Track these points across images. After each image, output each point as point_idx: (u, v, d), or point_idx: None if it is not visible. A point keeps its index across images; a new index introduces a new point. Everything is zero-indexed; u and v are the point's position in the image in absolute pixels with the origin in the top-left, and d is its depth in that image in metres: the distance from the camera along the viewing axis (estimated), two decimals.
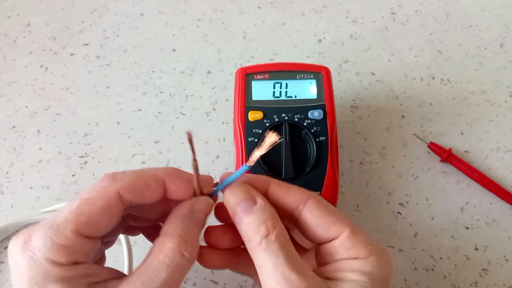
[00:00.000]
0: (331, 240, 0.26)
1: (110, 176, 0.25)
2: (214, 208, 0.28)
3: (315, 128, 0.37)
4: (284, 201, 0.27)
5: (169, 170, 0.27)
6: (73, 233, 0.23)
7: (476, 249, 0.40)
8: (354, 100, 0.48)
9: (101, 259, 0.29)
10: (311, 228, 0.26)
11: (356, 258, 0.25)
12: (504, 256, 0.39)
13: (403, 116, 0.47)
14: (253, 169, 0.36)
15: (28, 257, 0.22)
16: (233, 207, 0.26)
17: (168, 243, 0.24)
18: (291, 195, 0.27)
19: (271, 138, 0.25)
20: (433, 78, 0.50)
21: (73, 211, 0.23)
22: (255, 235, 0.24)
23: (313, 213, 0.26)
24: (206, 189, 0.28)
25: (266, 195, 0.27)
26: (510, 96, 0.49)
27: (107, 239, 0.30)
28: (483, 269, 0.39)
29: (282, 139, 0.32)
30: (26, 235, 0.23)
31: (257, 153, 0.25)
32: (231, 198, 0.26)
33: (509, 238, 0.40)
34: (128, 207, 0.26)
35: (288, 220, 0.27)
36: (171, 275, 0.23)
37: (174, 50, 0.52)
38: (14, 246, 0.23)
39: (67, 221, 0.23)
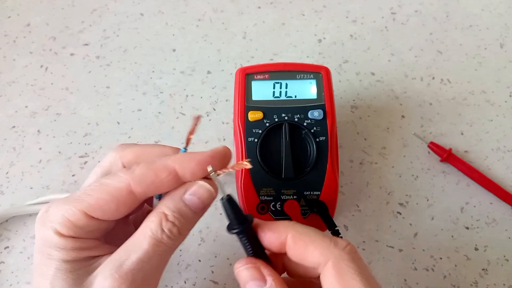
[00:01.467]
0: None
1: (129, 169, 0.26)
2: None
3: (315, 128, 0.37)
4: (303, 259, 0.25)
5: (178, 157, 0.26)
6: (80, 211, 0.25)
7: (476, 249, 0.40)
8: (354, 100, 0.48)
9: (123, 232, 0.29)
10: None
11: None
12: (504, 256, 0.39)
13: (403, 116, 0.47)
14: (254, 171, 0.36)
15: (41, 224, 0.26)
16: (242, 284, 0.25)
17: (152, 217, 0.25)
18: (309, 254, 0.25)
19: (195, 121, 0.28)
20: (433, 78, 0.50)
21: (86, 192, 0.25)
22: None
23: (328, 283, 0.24)
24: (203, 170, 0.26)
25: (284, 247, 0.26)
26: (510, 96, 0.49)
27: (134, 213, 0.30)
28: (483, 269, 0.39)
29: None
30: (48, 206, 0.26)
31: (191, 136, 0.28)
32: (241, 274, 0.25)
33: (509, 238, 0.40)
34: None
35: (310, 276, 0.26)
36: (152, 247, 0.24)
37: (174, 50, 0.52)
38: (38, 214, 0.26)
39: (78, 200, 0.25)
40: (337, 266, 0.24)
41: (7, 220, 0.40)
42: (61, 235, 0.25)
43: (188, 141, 0.29)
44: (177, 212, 0.25)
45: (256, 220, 0.27)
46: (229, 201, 0.26)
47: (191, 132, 0.28)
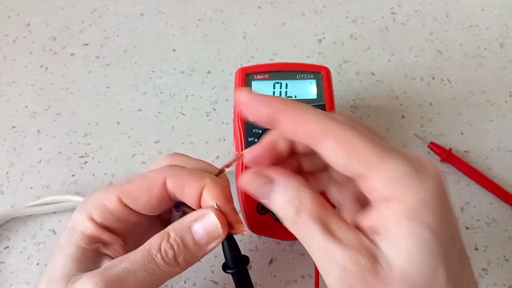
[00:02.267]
0: (361, 178, 0.21)
1: (168, 165, 0.28)
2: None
3: None
4: (298, 135, 0.22)
5: (217, 180, 0.27)
6: (116, 197, 0.26)
7: (476, 249, 0.40)
8: (354, 100, 0.48)
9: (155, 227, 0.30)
10: (335, 165, 0.22)
11: (394, 200, 0.20)
12: (504, 256, 0.39)
13: (403, 116, 0.47)
14: None
15: (79, 208, 0.28)
16: (257, 195, 0.24)
17: (158, 234, 0.25)
18: (305, 128, 0.22)
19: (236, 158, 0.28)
20: (433, 78, 0.50)
21: (126, 180, 0.27)
22: (287, 216, 0.22)
23: (331, 152, 0.22)
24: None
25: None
26: (510, 96, 0.49)
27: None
28: (483, 269, 0.38)
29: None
30: (92, 192, 0.28)
31: (225, 169, 0.28)
32: (249, 189, 0.24)
33: (509, 238, 0.40)
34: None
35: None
36: (142, 260, 0.24)
37: (174, 50, 0.52)
38: (83, 199, 0.29)
39: (116, 187, 0.27)
40: (334, 137, 0.21)
41: (8, 221, 0.40)
42: (92, 220, 0.26)
43: (220, 171, 0.28)
44: (179, 237, 0.25)
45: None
46: (228, 239, 0.26)
47: (228, 165, 0.28)
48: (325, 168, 0.26)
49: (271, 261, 0.38)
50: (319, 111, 0.23)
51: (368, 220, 0.22)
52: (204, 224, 0.25)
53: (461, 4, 0.57)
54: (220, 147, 0.45)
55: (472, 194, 0.42)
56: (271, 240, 0.39)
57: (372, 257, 0.20)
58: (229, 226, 0.26)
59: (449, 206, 0.21)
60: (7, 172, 0.43)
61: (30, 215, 0.40)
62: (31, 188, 0.42)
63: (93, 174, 0.43)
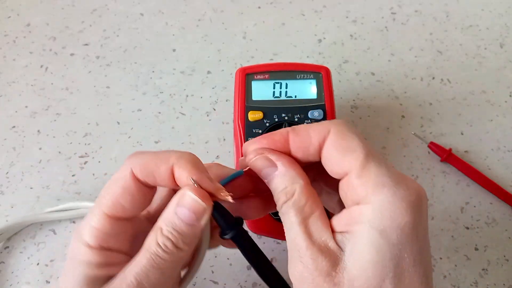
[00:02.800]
0: (344, 176, 0.24)
1: (130, 155, 0.26)
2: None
3: None
4: (307, 145, 0.25)
5: (180, 155, 0.25)
6: (102, 214, 0.25)
7: (476, 249, 0.40)
8: (354, 100, 0.48)
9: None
10: (328, 166, 0.25)
11: (365, 203, 0.22)
12: (504, 256, 0.39)
13: (403, 116, 0.47)
14: None
15: (74, 237, 0.26)
16: (258, 172, 0.26)
17: (151, 231, 0.25)
18: (311, 136, 0.25)
19: None
20: (433, 78, 0.50)
21: (101, 194, 0.26)
22: (278, 201, 0.25)
23: (328, 150, 0.24)
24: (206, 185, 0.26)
25: (288, 146, 0.26)
26: (510, 96, 0.49)
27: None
28: (483, 269, 0.38)
29: None
30: (84, 218, 0.26)
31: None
32: (254, 166, 0.26)
33: (509, 238, 0.40)
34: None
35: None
36: (148, 262, 0.24)
37: (174, 50, 0.52)
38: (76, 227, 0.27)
39: (98, 204, 0.26)
40: (336, 134, 0.24)
41: (27, 226, 0.40)
42: (89, 246, 0.25)
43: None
44: (170, 227, 0.24)
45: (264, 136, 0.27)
46: (216, 208, 0.26)
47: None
48: (315, 179, 0.28)
49: (271, 261, 0.38)
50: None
51: (341, 224, 0.23)
52: (185, 204, 0.24)
53: (461, 4, 0.57)
54: (220, 147, 0.45)
55: (472, 194, 0.42)
56: (271, 240, 0.39)
57: (333, 261, 0.22)
58: (211, 195, 0.25)
59: (422, 227, 0.22)
60: (7, 172, 0.43)
61: (48, 221, 0.40)
62: (31, 188, 0.42)
63: (93, 174, 0.43)
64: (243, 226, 0.27)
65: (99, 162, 0.44)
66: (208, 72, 0.50)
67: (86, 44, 0.53)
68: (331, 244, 0.23)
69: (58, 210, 0.40)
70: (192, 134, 0.46)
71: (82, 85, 0.49)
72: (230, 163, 0.43)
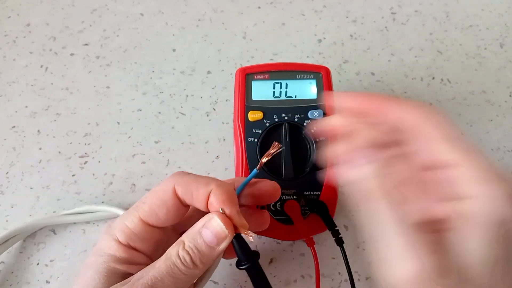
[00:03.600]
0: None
1: (175, 173, 0.30)
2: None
3: (315, 128, 0.37)
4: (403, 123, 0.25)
5: (222, 185, 0.28)
6: (138, 218, 0.28)
7: None
8: None
9: None
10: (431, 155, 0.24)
11: (469, 198, 0.22)
12: None
13: None
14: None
15: (105, 231, 0.29)
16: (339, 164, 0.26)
17: (175, 243, 0.27)
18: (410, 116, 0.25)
19: (275, 148, 0.30)
20: (433, 78, 0.50)
21: (141, 200, 0.29)
22: (365, 194, 0.24)
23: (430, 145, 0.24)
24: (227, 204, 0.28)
25: None
26: (510, 96, 0.49)
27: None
28: None
29: (282, 148, 0.35)
30: (118, 217, 0.30)
31: (264, 160, 0.30)
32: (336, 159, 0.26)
33: None
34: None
35: None
36: (166, 268, 0.26)
37: (174, 50, 0.52)
38: (107, 224, 0.30)
39: (136, 208, 0.29)
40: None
41: (41, 229, 0.40)
42: (118, 242, 0.28)
43: (261, 164, 0.30)
44: (192, 243, 0.27)
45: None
46: (236, 238, 0.28)
47: (267, 155, 0.30)
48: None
49: (271, 261, 0.38)
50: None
51: (444, 211, 0.22)
52: (211, 227, 0.27)
53: (461, 4, 0.57)
54: (220, 147, 0.45)
55: None
56: (271, 240, 0.39)
57: (445, 259, 0.21)
58: (235, 228, 0.28)
59: None
60: (7, 172, 0.43)
61: (61, 224, 0.40)
62: (31, 188, 0.42)
63: (93, 174, 0.43)
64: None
65: (99, 162, 0.44)
66: (208, 72, 0.50)
67: (86, 44, 0.53)
68: (435, 242, 0.22)
69: (75, 213, 0.40)
70: (192, 134, 0.46)
71: (82, 85, 0.49)
72: (230, 163, 0.43)
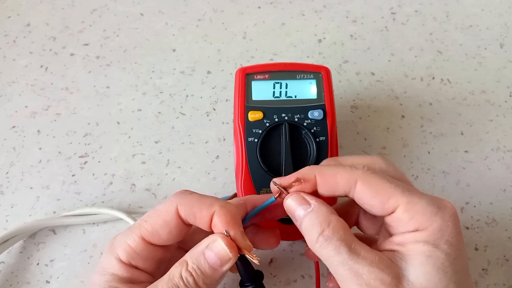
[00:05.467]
0: (390, 214, 0.26)
1: (178, 192, 0.29)
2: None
3: (315, 128, 0.37)
4: (334, 190, 0.27)
5: (225, 206, 0.28)
6: (140, 237, 0.28)
7: (476, 249, 0.40)
8: (354, 100, 0.48)
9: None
10: (368, 207, 0.27)
11: (417, 230, 0.25)
12: (504, 256, 0.39)
13: (403, 116, 0.47)
14: (254, 170, 0.36)
15: (107, 249, 0.29)
16: (292, 212, 0.28)
17: (177, 262, 0.27)
18: (338, 184, 0.27)
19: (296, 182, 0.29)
20: (433, 78, 0.50)
21: (143, 219, 0.29)
22: (312, 234, 0.26)
23: (363, 196, 0.26)
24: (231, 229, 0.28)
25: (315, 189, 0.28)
26: (510, 96, 0.49)
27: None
28: (483, 269, 0.39)
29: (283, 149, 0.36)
30: (118, 234, 0.30)
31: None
32: (288, 204, 0.28)
33: (509, 238, 0.40)
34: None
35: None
36: None
37: (174, 50, 0.52)
38: (110, 241, 0.29)
39: (138, 227, 0.28)
40: (367, 182, 0.26)
41: (41, 229, 0.40)
42: (120, 261, 0.28)
43: (279, 193, 0.29)
44: (195, 264, 0.27)
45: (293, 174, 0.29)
46: (240, 259, 0.28)
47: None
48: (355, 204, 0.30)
49: (271, 261, 0.38)
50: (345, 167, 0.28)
51: (391, 244, 0.26)
52: (214, 249, 0.27)
53: (461, 4, 0.57)
54: (220, 147, 0.45)
55: (472, 194, 0.42)
56: None
57: (395, 275, 0.24)
58: (239, 249, 0.27)
59: (461, 236, 0.25)
60: (7, 172, 0.43)
61: (62, 224, 0.40)
62: (31, 188, 0.42)
63: (93, 174, 0.43)
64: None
65: (99, 162, 0.44)
66: (208, 72, 0.50)
67: (86, 44, 0.53)
68: (386, 261, 0.24)
69: (75, 215, 0.40)
70: (192, 134, 0.46)
71: (82, 85, 0.49)
72: (230, 163, 0.43)
